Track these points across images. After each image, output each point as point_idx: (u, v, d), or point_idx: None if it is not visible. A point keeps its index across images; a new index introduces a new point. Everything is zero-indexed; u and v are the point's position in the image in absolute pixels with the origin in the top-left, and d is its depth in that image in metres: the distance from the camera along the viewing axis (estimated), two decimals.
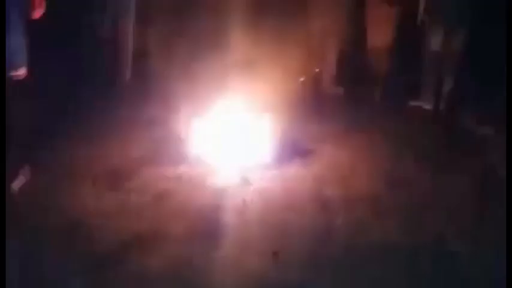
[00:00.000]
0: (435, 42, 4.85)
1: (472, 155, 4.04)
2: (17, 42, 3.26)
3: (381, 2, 5.07)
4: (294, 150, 4.02)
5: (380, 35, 5.16)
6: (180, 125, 4.19)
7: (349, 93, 5.32)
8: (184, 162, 3.83)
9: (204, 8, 4.70)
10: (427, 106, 5.02)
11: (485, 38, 4.91)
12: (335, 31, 5.26)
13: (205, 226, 3.08)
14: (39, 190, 3.45)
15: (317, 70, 5.16)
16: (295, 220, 3.18)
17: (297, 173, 3.75)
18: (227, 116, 4.01)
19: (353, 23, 5.30)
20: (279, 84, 4.25)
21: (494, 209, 3.23)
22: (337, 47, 5.35)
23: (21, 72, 3.35)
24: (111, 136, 4.27)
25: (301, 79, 4.73)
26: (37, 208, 3.21)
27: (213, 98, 4.03)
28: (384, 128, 4.53)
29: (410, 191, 3.52)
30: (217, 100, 4.03)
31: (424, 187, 3.58)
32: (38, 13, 3.44)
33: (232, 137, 3.95)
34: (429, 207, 3.32)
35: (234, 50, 4.24)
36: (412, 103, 5.13)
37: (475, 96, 4.89)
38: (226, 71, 4.10)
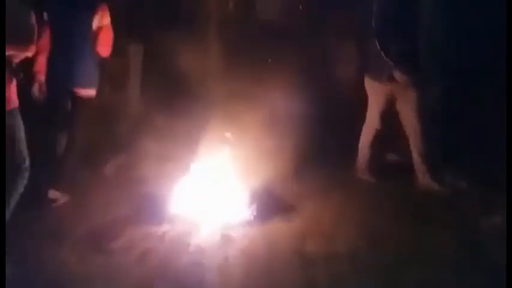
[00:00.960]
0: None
1: (448, 209, 4.09)
2: (91, 67, 4.06)
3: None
4: (275, 207, 4.05)
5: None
6: (162, 183, 4.23)
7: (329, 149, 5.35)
8: (167, 220, 3.83)
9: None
10: (404, 160, 5.06)
11: (458, 94, 5.10)
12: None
13: (189, 285, 3.10)
14: (17, 253, 3.37)
15: None
16: (278, 277, 3.20)
17: (279, 230, 3.76)
18: (209, 174, 4.06)
19: None
20: (259, 141, 4.36)
21: (474, 262, 3.30)
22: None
23: (92, 92, 4.11)
24: (93, 196, 4.27)
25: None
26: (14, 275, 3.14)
27: (195, 156, 4.10)
28: (363, 184, 4.60)
29: (390, 247, 3.54)
30: (199, 159, 4.09)
31: (404, 242, 3.60)
32: (105, 52, 4.11)
33: (215, 195, 3.98)
34: (409, 263, 3.34)
35: (214, 113, 4.32)
36: (389, 157, 5.18)
37: (450, 151, 4.96)
38: (208, 130, 4.16)
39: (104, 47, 4.11)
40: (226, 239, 3.62)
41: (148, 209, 4.01)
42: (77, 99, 4.13)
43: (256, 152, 4.33)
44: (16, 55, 3.13)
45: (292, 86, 5.01)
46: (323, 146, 5.22)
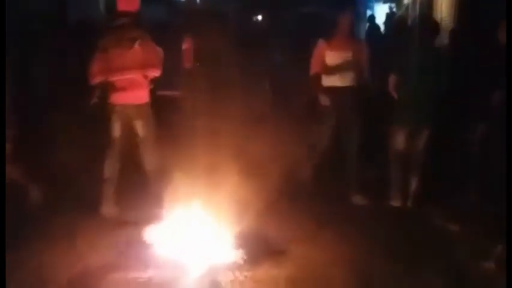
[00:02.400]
0: (399, 141, 5.00)
1: (440, 251, 4.07)
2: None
3: None
4: (265, 251, 4.01)
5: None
6: (148, 227, 4.19)
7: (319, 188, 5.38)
8: (155, 265, 3.77)
9: None
10: (396, 204, 5.08)
11: (448, 136, 5.15)
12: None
13: None
14: None
15: None
16: None
17: (269, 275, 3.70)
18: (197, 217, 4.04)
19: None
20: (249, 183, 4.33)
21: None
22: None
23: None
24: (79, 239, 4.17)
25: None
26: None
27: (182, 199, 4.05)
28: (355, 226, 4.53)
29: None
30: (186, 201, 4.06)
31: (397, 285, 3.60)
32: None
33: (202, 239, 3.95)
34: None
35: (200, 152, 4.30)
36: (382, 201, 5.15)
37: (441, 194, 4.99)
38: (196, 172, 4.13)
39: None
40: (214, 285, 3.58)
41: (132, 254, 3.95)
42: None
43: (243, 194, 4.30)
44: None
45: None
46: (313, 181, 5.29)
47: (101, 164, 4.95)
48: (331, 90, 5.05)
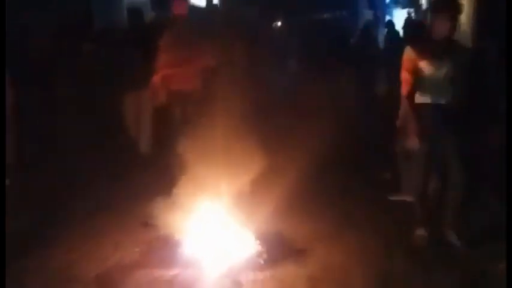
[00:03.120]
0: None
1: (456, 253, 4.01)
2: None
3: None
4: (286, 251, 4.02)
5: None
6: (173, 227, 4.22)
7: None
8: (177, 264, 3.81)
9: None
10: (409, 199, 4.81)
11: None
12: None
13: None
14: None
15: None
16: None
17: (290, 274, 3.72)
18: (220, 217, 4.06)
19: None
20: (269, 184, 4.36)
21: None
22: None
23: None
24: (104, 239, 4.28)
25: None
26: None
27: (207, 199, 4.08)
28: (372, 225, 4.54)
29: None
30: (210, 201, 4.08)
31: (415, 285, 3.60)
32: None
33: (224, 239, 3.97)
34: None
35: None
36: (394, 197, 5.11)
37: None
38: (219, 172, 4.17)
39: None
40: (235, 284, 3.59)
41: (156, 253, 4.01)
42: None
43: (264, 194, 4.35)
44: None
45: None
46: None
47: (124, 166, 5.07)
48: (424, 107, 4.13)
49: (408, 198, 4.95)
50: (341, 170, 5.70)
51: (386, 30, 14.29)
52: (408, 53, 4.07)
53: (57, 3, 8.10)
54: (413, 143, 4.12)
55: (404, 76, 4.10)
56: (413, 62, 4.03)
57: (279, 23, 15.69)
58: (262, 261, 3.83)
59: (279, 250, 3.98)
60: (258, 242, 3.98)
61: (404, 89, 4.13)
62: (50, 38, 6.68)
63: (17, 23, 6.91)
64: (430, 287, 3.58)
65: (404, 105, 4.30)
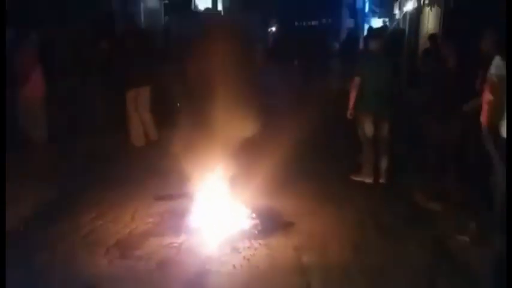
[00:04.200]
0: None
1: (423, 226, 4.07)
2: None
3: None
4: (276, 223, 4.06)
5: None
6: (181, 201, 4.27)
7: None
8: (184, 233, 3.84)
9: None
10: (368, 180, 5.10)
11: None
12: None
13: None
14: (60, 257, 3.47)
15: None
16: (278, 283, 3.22)
17: (279, 243, 3.76)
18: (221, 195, 4.09)
19: None
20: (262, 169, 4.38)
21: (444, 276, 3.30)
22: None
23: None
24: (123, 210, 4.31)
25: None
26: (57, 275, 3.23)
27: (211, 178, 4.09)
28: (347, 201, 4.58)
29: (374, 256, 3.57)
30: (213, 181, 4.09)
31: (384, 253, 3.62)
32: None
33: (225, 213, 3.99)
34: (387, 271, 3.37)
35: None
36: (354, 177, 5.18)
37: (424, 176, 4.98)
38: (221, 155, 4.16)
39: None
40: (233, 250, 3.62)
41: (166, 223, 4.03)
42: None
43: (258, 178, 4.36)
44: None
45: None
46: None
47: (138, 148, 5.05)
48: None
49: (367, 179, 5.04)
50: (320, 157, 5.72)
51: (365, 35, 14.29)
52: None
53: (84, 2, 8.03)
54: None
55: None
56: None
57: (274, 28, 15.62)
58: (256, 232, 3.86)
59: (270, 223, 4.01)
60: (252, 215, 4.01)
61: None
62: (77, 33, 6.58)
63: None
64: (398, 254, 3.61)
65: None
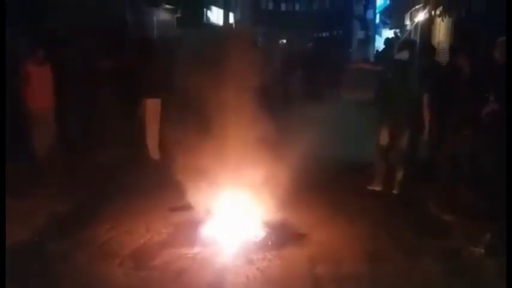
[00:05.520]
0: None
1: (436, 238, 4.04)
2: None
3: None
4: (289, 234, 4.06)
5: None
6: (195, 212, 4.26)
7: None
8: (199, 244, 3.85)
9: None
10: (378, 188, 5.10)
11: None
12: None
13: None
14: (75, 267, 3.50)
15: None
16: None
17: (292, 254, 3.76)
18: (236, 207, 4.12)
19: None
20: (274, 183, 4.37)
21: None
22: None
23: None
24: (138, 221, 4.33)
25: None
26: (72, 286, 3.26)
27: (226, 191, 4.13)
28: (358, 212, 4.56)
29: (386, 267, 3.55)
30: (228, 193, 4.12)
31: (397, 265, 3.60)
32: None
33: (240, 224, 4.02)
34: (401, 282, 3.35)
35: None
36: (369, 187, 5.17)
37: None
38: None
39: None
40: (248, 261, 3.63)
41: (181, 234, 4.05)
42: None
43: (271, 191, 4.35)
44: None
45: None
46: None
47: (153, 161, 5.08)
48: None
49: (377, 187, 5.01)
50: (331, 169, 5.68)
51: (383, 47, 14.22)
52: None
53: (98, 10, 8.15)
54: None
55: None
56: None
57: (285, 40, 15.69)
58: (269, 243, 3.88)
59: (283, 234, 4.02)
60: (266, 227, 4.04)
61: None
62: (92, 41, 6.63)
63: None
64: (411, 266, 3.59)
65: None
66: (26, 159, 5.22)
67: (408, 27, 17.93)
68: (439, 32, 13.16)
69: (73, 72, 5.79)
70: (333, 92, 11.01)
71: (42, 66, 5.29)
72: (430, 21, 13.92)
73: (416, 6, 15.14)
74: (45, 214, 4.43)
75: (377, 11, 26.93)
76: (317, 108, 7.28)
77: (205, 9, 14.63)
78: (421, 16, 15.09)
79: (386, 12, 23.76)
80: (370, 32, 27.41)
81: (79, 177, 5.54)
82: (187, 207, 4.46)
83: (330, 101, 7.88)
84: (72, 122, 6.06)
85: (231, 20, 15.71)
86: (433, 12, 13.59)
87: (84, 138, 6.39)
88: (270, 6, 19.14)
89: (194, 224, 4.11)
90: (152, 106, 6.00)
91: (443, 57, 7.90)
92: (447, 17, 12.20)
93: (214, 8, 15.51)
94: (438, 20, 13.33)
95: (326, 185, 5.18)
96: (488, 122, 4.12)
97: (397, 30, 20.47)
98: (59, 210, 4.54)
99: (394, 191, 5.06)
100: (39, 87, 5.27)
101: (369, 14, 28.21)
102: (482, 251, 3.73)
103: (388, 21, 23.36)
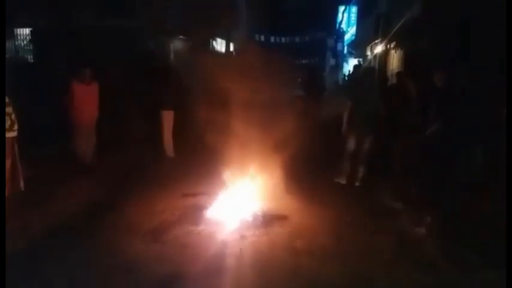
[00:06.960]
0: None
1: (388, 220, 4.03)
2: None
3: None
4: (274, 216, 4.04)
5: None
6: (202, 198, 4.27)
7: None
8: (203, 223, 3.84)
9: None
10: (343, 182, 5.10)
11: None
12: None
13: (217, 266, 3.13)
14: (105, 242, 3.48)
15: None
16: (276, 263, 3.23)
17: (276, 231, 3.76)
18: (232, 195, 4.13)
19: None
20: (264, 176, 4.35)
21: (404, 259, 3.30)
22: None
23: None
24: (155, 205, 4.30)
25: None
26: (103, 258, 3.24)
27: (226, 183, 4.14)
28: (330, 200, 4.56)
29: (349, 242, 3.57)
30: (224, 181, 4.13)
31: (356, 241, 3.62)
32: None
33: (235, 208, 4.01)
34: (359, 255, 3.37)
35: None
36: (336, 179, 5.17)
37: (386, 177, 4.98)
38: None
39: None
40: (241, 237, 3.63)
41: (189, 215, 4.02)
42: None
43: (264, 181, 4.35)
44: None
45: None
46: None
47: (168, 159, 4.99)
48: None
49: (343, 181, 5.01)
50: (309, 165, 5.63)
51: (350, 71, 14.17)
52: None
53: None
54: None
55: None
56: None
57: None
58: (258, 223, 3.87)
59: (269, 216, 4.00)
60: (256, 211, 4.02)
61: None
62: (121, 70, 6.63)
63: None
64: (368, 242, 3.60)
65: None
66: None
67: (369, 57, 18.09)
68: (393, 61, 13.31)
69: (112, 90, 5.81)
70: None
71: (89, 86, 5.43)
72: (386, 53, 14.08)
73: (376, 41, 15.30)
74: (79, 199, 4.38)
75: (345, 43, 27.15)
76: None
77: (211, 40, 14.75)
78: (379, 48, 15.24)
79: (352, 44, 23.93)
80: (340, 60, 27.63)
81: (110, 171, 5.49)
82: (195, 194, 4.50)
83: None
84: (107, 128, 6.05)
85: (231, 48, 15.77)
86: (388, 46, 13.74)
87: (117, 140, 6.36)
88: (262, 38, 19.44)
89: (200, 208, 4.09)
90: (167, 116, 6.07)
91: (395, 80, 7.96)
92: (399, 50, 12.36)
93: (218, 40, 15.66)
94: (392, 51, 13.48)
95: (302, 179, 5.05)
96: (431, 137, 4.19)
97: (360, 59, 20.63)
98: (91, 198, 4.46)
99: (356, 184, 5.09)
100: (86, 103, 5.38)
101: (339, 46, 28.43)
102: (423, 231, 3.77)
103: (354, 52, 23.53)
